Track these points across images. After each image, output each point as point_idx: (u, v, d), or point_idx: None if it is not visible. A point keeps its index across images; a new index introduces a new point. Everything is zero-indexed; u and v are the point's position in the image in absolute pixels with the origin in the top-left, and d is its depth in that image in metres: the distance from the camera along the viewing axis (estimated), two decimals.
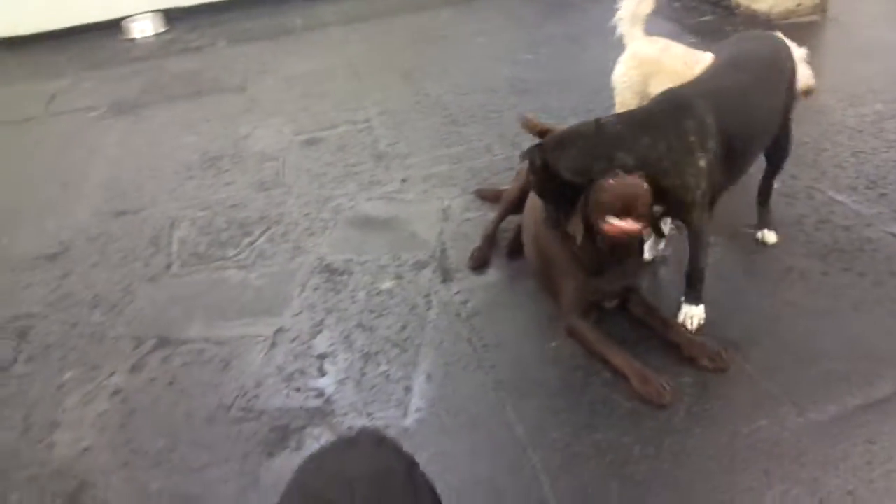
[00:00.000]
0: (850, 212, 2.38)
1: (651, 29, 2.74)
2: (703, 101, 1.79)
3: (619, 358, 1.84)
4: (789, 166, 2.35)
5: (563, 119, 3.31)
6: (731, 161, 1.86)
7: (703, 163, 1.76)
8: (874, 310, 1.98)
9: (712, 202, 1.90)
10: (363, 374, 1.98)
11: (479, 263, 2.38)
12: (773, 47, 2.07)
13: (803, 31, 4.12)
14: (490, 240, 2.44)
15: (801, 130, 2.52)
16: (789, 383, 1.77)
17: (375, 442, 1.11)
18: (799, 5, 4.30)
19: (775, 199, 2.34)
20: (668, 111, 1.79)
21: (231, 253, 2.64)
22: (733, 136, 1.82)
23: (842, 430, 1.63)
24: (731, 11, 4.52)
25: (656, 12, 2.92)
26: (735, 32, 4.09)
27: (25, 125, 4.26)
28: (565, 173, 1.78)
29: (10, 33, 5.81)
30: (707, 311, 2.00)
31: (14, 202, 3.29)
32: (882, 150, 2.74)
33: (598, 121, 1.80)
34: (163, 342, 2.22)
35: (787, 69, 2.04)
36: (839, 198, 2.46)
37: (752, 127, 1.93)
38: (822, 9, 4.33)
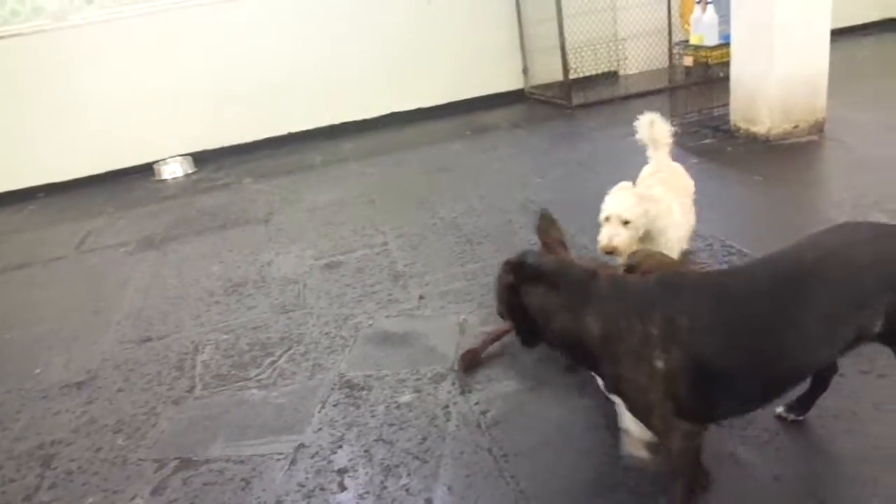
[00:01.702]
0: None
1: None
2: (693, 298, 1.50)
3: None
4: None
5: (572, 237, 3.43)
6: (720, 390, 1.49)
7: (660, 364, 1.44)
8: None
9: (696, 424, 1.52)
10: (384, 488, 1.97)
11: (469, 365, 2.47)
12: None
13: (803, 151, 4.31)
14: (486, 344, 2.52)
15: None
16: (814, 485, 1.74)
17: None
18: (796, 127, 4.49)
19: None
20: (654, 290, 1.53)
21: (253, 373, 2.69)
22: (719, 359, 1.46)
23: None
24: (731, 134, 4.73)
25: None
26: (734, 154, 4.33)
27: (54, 263, 4.45)
28: (529, 306, 1.59)
29: (54, 179, 6.24)
30: None
31: (45, 333, 3.39)
32: None
33: (594, 272, 1.58)
34: (184, 463, 2.23)
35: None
36: None
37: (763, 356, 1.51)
38: (818, 129, 4.52)
